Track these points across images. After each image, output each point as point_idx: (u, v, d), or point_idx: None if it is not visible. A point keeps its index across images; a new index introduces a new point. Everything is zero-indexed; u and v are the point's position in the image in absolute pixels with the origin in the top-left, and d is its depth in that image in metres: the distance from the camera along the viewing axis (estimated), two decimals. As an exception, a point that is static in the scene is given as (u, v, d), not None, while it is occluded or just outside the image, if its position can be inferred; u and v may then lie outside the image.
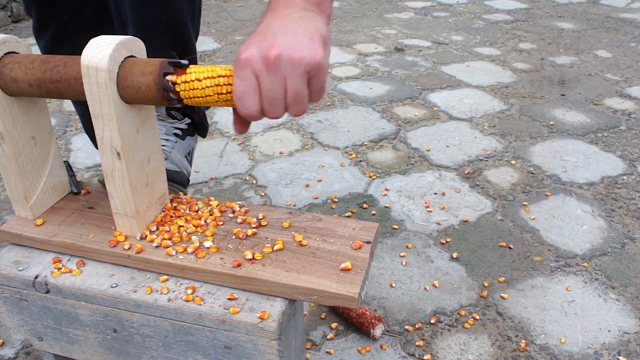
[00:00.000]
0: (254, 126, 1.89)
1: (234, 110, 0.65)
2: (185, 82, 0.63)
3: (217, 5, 3.59)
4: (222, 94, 0.63)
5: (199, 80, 0.63)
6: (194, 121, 1.11)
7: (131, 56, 0.67)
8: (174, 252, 0.71)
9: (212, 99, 0.63)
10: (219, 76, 0.63)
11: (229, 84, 0.63)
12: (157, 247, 0.72)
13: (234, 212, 0.80)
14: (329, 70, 2.40)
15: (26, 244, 0.77)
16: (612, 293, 1.15)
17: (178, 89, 0.64)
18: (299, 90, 0.60)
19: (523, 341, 1.03)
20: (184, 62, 0.64)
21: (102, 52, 0.62)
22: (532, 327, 1.06)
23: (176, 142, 1.05)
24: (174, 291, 0.69)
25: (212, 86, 0.63)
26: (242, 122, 0.66)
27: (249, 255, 0.70)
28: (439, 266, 1.23)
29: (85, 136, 1.85)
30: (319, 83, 0.61)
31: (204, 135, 1.19)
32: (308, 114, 1.98)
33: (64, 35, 1.01)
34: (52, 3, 0.97)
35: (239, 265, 0.69)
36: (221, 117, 1.97)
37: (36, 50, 0.98)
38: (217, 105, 0.65)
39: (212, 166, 1.65)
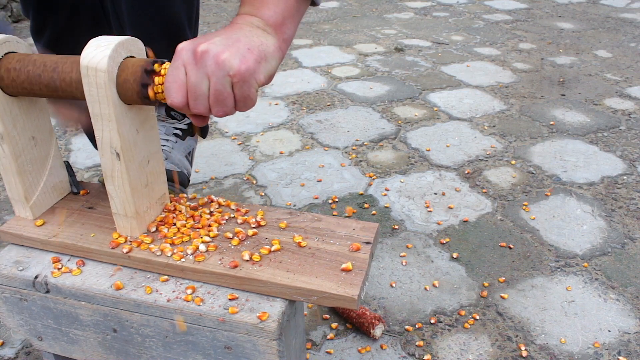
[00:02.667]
0: (254, 126, 1.90)
1: None
2: (160, 84, 0.64)
3: (217, 5, 3.59)
4: None
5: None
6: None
7: (131, 56, 0.67)
8: (173, 253, 0.71)
9: None
10: None
11: None
12: (156, 247, 0.72)
13: (234, 212, 0.80)
14: (327, 70, 2.40)
15: (26, 244, 0.77)
16: (612, 293, 1.15)
17: (156, 90, 0.64)
18: (220, 91, 0.60)
19: (523, 343, 1.03)
20: (164, 60, 0.64)
21: (101, 52, 0.62)
22: (532, 327, 1.06)
23: (176, 142, 1.05)
24: (174, 291, 0.69)
25: None
26: (194, 115, 0.66)
27: (249, 256, 0.70)
28: (439, 266, 1.23)
29: (86, 136, 1.85)
30: (243, 93, 0.61)
31: (204, 136, 1.19)
32: (308, 114, 1.98)
33: (61, 37, 1.01)
34: (49, 5, 0.97)
35: (238, 266, 0.69)
36: (221, 117, 1.97)
37: (36, 50, 0.98)
38: None
39: (212, 166, 1.65)
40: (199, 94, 0.61)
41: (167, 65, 0.64)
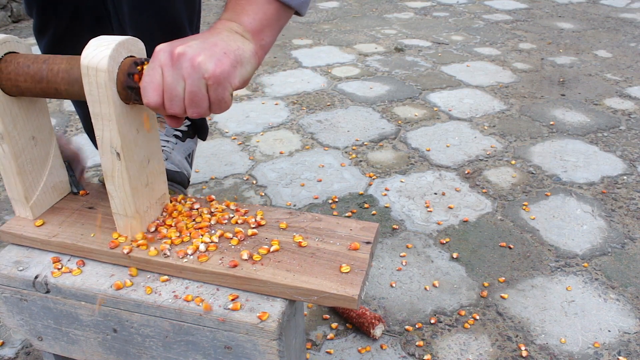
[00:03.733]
0: (254, 126, 1.90)
1: None
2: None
3: (217, 5, 3.59)
4: None
5: None
6: (193, 123, 1.11)
7: (131, 56, 0.67)
8: (173, 253, 0.71)
9: None
10: None
11: None
12: (157, 247, 0.72)
13: (233, 212, 0.80)
14: (328, 70, 2.40)
15: (26, 244, 0.77)
16: (612, 293, 1.15)
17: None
18: (195, 93, 0.61)
19: (523, 343, 1.03)
20: (149, 59, 0.65)
21: (101, 52, 0.62)
22: (532, 327, 1.07)
23: (176, 143, 1.05)
24: (174, 291, 0.69)
25: None
26: (169, 116, 0.67)
27: (249, 256, 0.70)
28: (439, 266, 1.23)
29: (86, 136, 1.85)
30: (217, 95, 0.62)
31: (203, 138, 1.19)
32: (308, 114, 1.98)
33: (64, 36, 1.01)
34: (52, 4, 0.97)
35: (238, 266, 0.69)
36: (221, 117, 1.97)
37: (36, 50, 0.98)
38: None
39: (212, 166, 1.65)
40: (175, 95, 0.62)
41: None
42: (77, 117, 2.00)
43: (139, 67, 0.64)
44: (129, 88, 0.64)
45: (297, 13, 0.75)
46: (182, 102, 0.62)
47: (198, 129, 1.14)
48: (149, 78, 0.62)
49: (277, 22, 0.72)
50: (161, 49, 0.62)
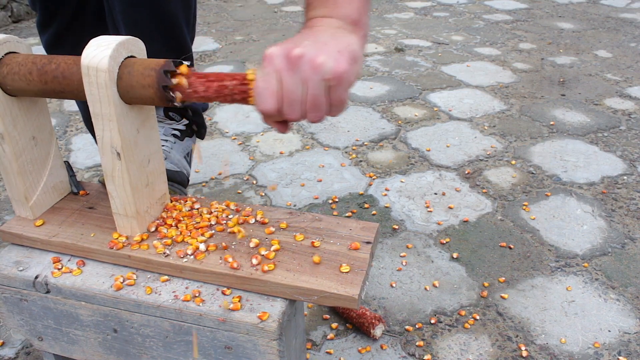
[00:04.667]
0: (254, 126, 1.90)
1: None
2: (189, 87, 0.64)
3: (217, 5, 3.59)
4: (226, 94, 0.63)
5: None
6: (192, 122, 1.11)
7: (131, 56, 0.67)
8: (174, 253, 0.71)
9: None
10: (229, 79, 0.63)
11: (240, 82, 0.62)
12: (157, 247, 0.72)
13: (233, 212, 0.80)
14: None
15: (26, 244, 0.77)
16: (612, 293, 1.15)
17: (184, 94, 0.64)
18: (317, 96, 0.59)
19: (523, 343, 1.03)
20: (186, 62, 0.64)
21: (102, 52, 0.62)
22: (532, 327, 1.07)
23: (175, 142, 1.05)
24: (174, 291, 0.69)
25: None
26: (279, 122, 0.64)
27: (249, 256, 0.70)
28: (439, 266, 1.23)
29: (86, 136, 1.85)
30: (338, 96, 0.60)
31: (202, 137, 1.19)
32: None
33: (66, 32, 1.02)
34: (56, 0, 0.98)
35: (238, 266, 0.69)
36: (221, 117, 1.97)
37: (36, 50, 0.98)
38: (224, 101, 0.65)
39: (212, 166, 1.65)
40: (294, 100, 0.59)
41: (184, 67, 0.64)
42: (77, 117, 2.00)
43: (183, 67, 0.64)
44: (164, 89, 0.63)
45: None
46: (301, 107, 0.59)
47: (196, 128, 1.14)
48: (265, 84, 0.59)
49: (368, 8, 0.69)
50: (274, 53, 0.59)
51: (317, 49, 0.58)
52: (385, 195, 1.49)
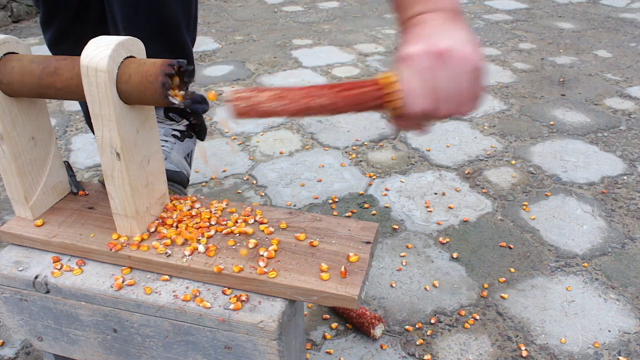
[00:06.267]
0: (254, 126, 1.90)
1: (396, 117, 0.62)
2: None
3: (217, 5, 3.59)
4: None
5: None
6: (192, 123, 1.11)
7: (131, 56, 0.67)
8: (174, 253, 0.71)
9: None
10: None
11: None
12: (157, 247, 0.72)
13: (233, 212, 0.80)
14: (328, 70, 2.40)
15: (26, 245, 0.77)
16: (612, 293, 1.15)
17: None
18: (473, 87, 0.58)
19: (523, 343, 1.03)
20: (184, 61, 0.64)
21: (101, 52, 0.62)
22: (532, 327, 1.06)
23: (175, 143, 1.05)
24: (174, 291, 0.69)
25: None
26: (418, 124, 0.63)
27: (249, 256, 0.70)
28: (439, 266, 1.23)
29: (86, 136, 1.85)
30: (482, 85, 0.59)
31: (202, 138, 1.19)
32: (308, 114, 1.98)
33: (68, 30, 1.02)
34: None
35: (238, 266, 0.69)
36: (221, 117, 1.97)
37: (36, 50, 0.98)
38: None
39: (212, 166, 1.65)
40: (451, 95, 0.58)
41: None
42: (77, 117, 2.00)
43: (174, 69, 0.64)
44: (164, 89, 0.63)
45: None
46: (457, 99, 0.58)
47: (197, 129, 1.14)
48: (417, 84, 0.57)
49: None
50: (415, 52, 0.57)
51: (457, 40, 0.57)
52: (385, 195, 1.49)
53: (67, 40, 1.03)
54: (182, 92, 0.66)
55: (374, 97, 0.60)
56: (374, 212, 1.42)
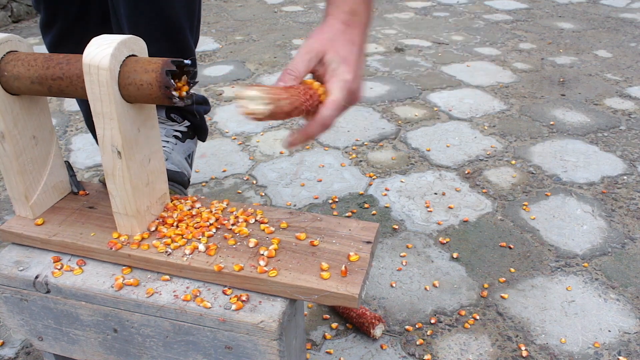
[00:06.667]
0: (254, 126, 1.90)
1: None
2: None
3: (217, 5, 3.59)
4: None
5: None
6: (193, 124, 1.11)
7: (132, 55, 0.67)
8: (174, 252, 0.71)
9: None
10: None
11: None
12: (157, 246, 0.72)
13: (234, 212, 0.80)
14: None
15: (27, 244, 0.77)
16: (612, 293, 1.15)
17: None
18: (355, 101, 0.73)
19: (523, 343, 1.03)
20: (187, 61, 0.64)
21: (103, 51, 0.62)
22: (532, 327, 1.07)
23: (176, 144, 1.05)
24: (174, 291, 0.69)
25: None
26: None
27: (249, 255, 0.70)
28: (439, 266, 1.23)
29: (86, 136, 1.85)
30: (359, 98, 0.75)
31: (203, 139, 1.19)
32: (308, 113, 1.98)
33: (70, 32, 1.02)
34: (59, 0, 0.98)
35: (238, 265, 0.69)
36: (221, 117, 1.97)
37: (37, 49, 0.98)
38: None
39: (212, 166, 1.65)
40: (347, 105, 0.71)
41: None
42: (77, 117, 2.00)
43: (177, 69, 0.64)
44: (167, 88, 0.63)
45: None
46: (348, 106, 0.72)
47: (198, 130, 1.14)
48: (341, 98, 0.69)
49: None
50: (349, 82, 0.69)
51: (359, 83, 0.72)
52: (385, 195, 1.49)
53: (68, 43, 1.03)
54: (184, 92, 0.66)
55: (318, 102, 0.67)
56: (374, 212, 1.42)
